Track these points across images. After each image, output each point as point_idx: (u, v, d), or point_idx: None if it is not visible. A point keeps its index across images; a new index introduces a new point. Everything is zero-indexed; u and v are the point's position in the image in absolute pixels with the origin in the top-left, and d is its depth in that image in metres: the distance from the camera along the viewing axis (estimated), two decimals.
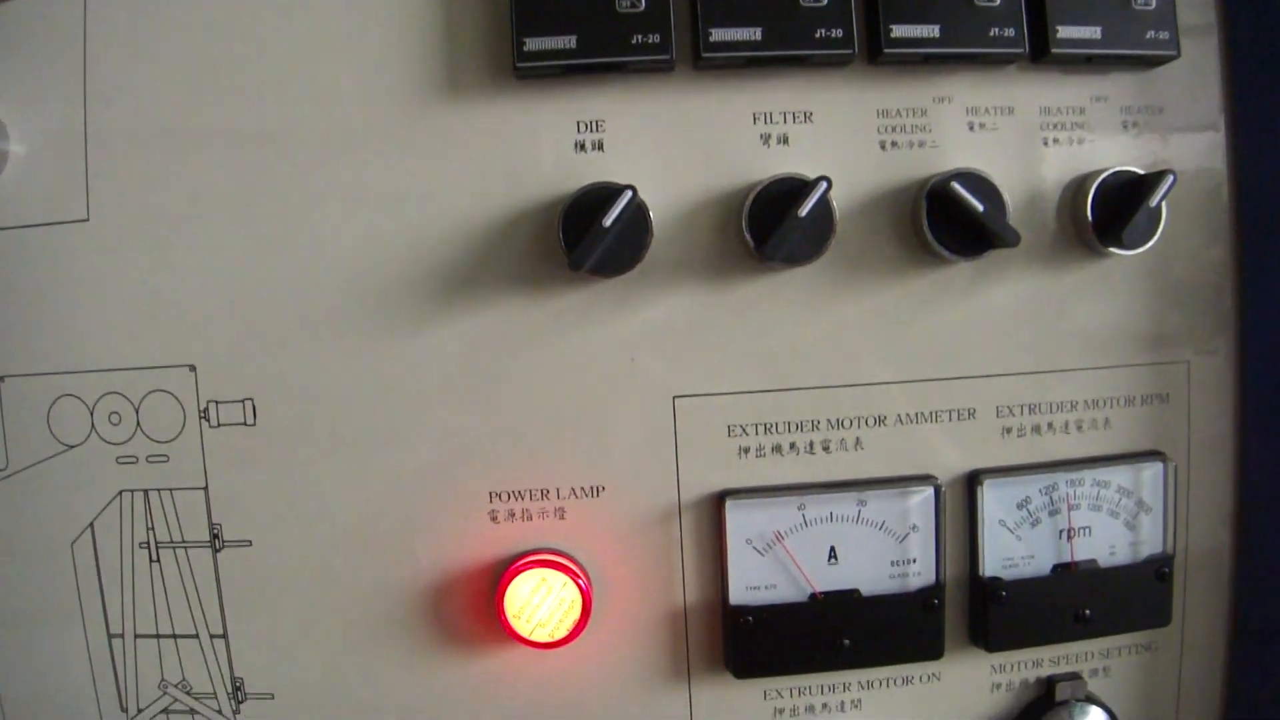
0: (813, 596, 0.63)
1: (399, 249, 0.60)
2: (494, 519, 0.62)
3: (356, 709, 0.64)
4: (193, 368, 0.60)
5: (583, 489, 0.62)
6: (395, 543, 0.62)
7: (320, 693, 0.64)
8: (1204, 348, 0.67)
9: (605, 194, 0.57)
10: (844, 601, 0.63)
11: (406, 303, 0.60)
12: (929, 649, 0.64)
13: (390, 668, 0.63)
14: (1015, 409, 0.65)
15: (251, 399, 0.61)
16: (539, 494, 0.62)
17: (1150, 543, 0.66)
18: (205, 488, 0.62)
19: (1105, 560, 0.66)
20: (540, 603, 0.61)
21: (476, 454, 0.62)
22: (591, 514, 0.63)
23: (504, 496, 0.62)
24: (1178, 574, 0.68)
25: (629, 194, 0.56)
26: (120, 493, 0.61)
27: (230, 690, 0.63)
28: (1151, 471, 0.66)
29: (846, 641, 0.63)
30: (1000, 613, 0.64)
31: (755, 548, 0.63)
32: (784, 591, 0.63)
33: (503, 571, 0.61)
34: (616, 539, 0.63)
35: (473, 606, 0.63)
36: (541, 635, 0.61)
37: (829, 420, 0.63)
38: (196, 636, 0.63)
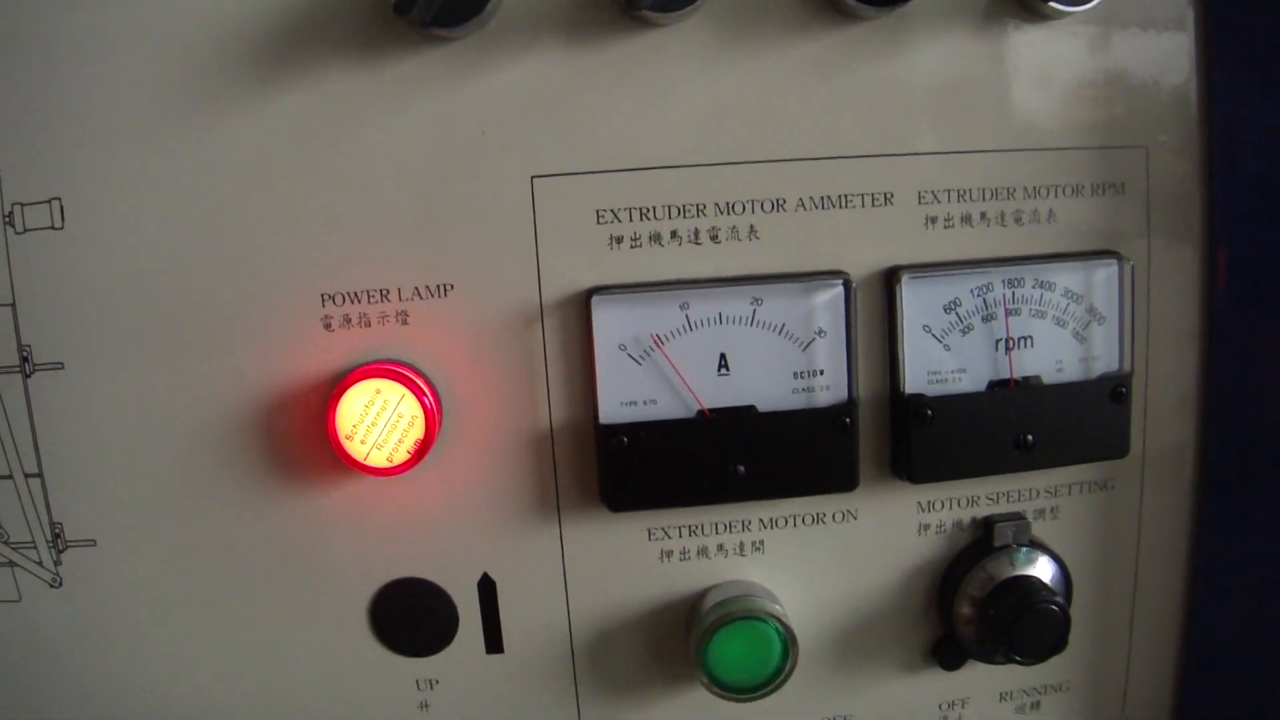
0: (700, 414, 0.54)
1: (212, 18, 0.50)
2: (327, 326, 0.53)
3: (186, 553, 0.55)
4: None
5: (427, 288, 0.53)
6: (219, 357, 0.53)
7: (145, 537, 0.55)
8: (1166, 131, 0.56)
9: None
10: (738, 420, 0.54)
11: (223, 75, 0.51)
12: (841, 478, 0.55)
13: (222, 505, 0.54)
14: (941, 194, 0.55)
15: (59, 198, 0.52)
16: (377, 295, 0.53)
17: (1105, 358, 0.57)
18: (13, 305, 0.52)
19: (1051, 377, 0.56)
20: (375, 420, 0.52)
21: (305, 250, 0.52)
22: (438, 317, 0.53)
23: (338, 299, 0.53)
24: (1137, 395, 0.58)
25: None
26: None
27: (50, 537, 0.54)
28: (1105, 273, 0.56)
29: (741, 468, 0.53)
30: (925, 436, 0.55)
31: (631, 355, 0.53)
32: (666, 408, 0.54)
33: (334, 386, 0.52)
34: (469, 347, 0.54)
35: (308, 430, 0.54)
36: (379, 459, 0.52)
37: (717, 205, 0.53)
38: (10, 477, 0.54)
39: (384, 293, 0.53)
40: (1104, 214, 0.56)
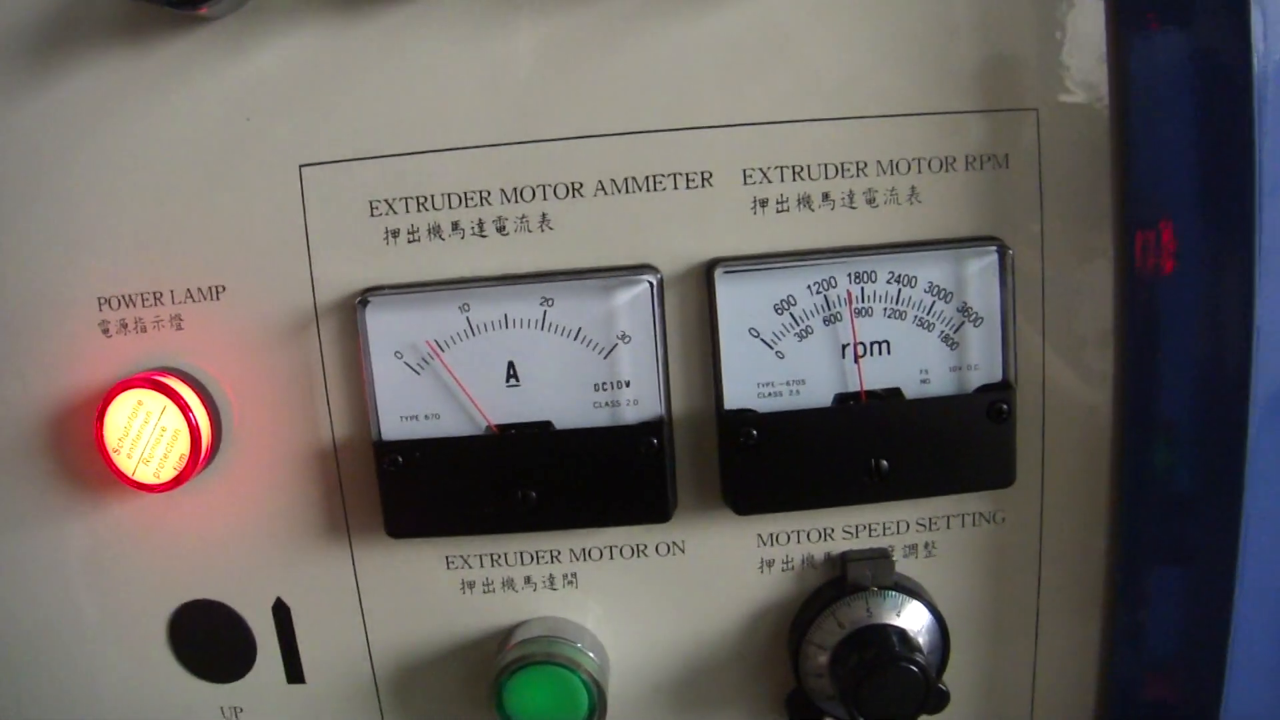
0: (488, 430, 0.47)
1: None
2: (105, 331, 0.50)
3: None
4: None
5: (200, 290, 0.49)
6: (2, 362, 0.50)
7: None
8: (1063, 88, 0.46)
9: None
10: (531, 438, 0.47)
11: None
12: (651, 507, 0.47)
13: (15, 516, 0.52)
14: (772, 173, 0.46)
15: None
16: (151, 298, 0.49)
17: (984, 368, 0.47)
18: None
19: (914, 390, 0.47)
20: (139, 433, 0.48)
21: (80, 250, 0.49)
22: (213, 322, 0.49)
23: (114, 303, 0.49)
24: (1032, 411, 0.48)
25: None
26: None
27: None
28: (981, 265, 0.46)
29: (532, 493, 0.47)
30: (747, 460, 0.46)
31: (408, 364, 0.47)
32: (451, 423, 0.48)
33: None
34: (245, 354, 0.49)
35: (90, 442, 0.50)
36: (146, 475, 0.48)
37: (504, 191, 0.47)
38: None
39: (157, 295, 0.49)
40: (982, 192, 0.46)
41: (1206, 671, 0.48)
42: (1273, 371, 0.46)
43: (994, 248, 0.46)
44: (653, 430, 0.46)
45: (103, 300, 0.49)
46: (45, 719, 0.55)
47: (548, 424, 0.47)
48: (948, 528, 0.49)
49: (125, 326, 0.50)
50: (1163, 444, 0.48)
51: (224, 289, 0.49)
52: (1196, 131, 0.45)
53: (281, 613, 0.52)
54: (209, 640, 0.53)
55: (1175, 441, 0.48)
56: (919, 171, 0.46)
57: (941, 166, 0.46)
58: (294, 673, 0.52)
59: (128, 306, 0.49)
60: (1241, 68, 0.43)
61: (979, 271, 0.46)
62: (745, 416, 0.46)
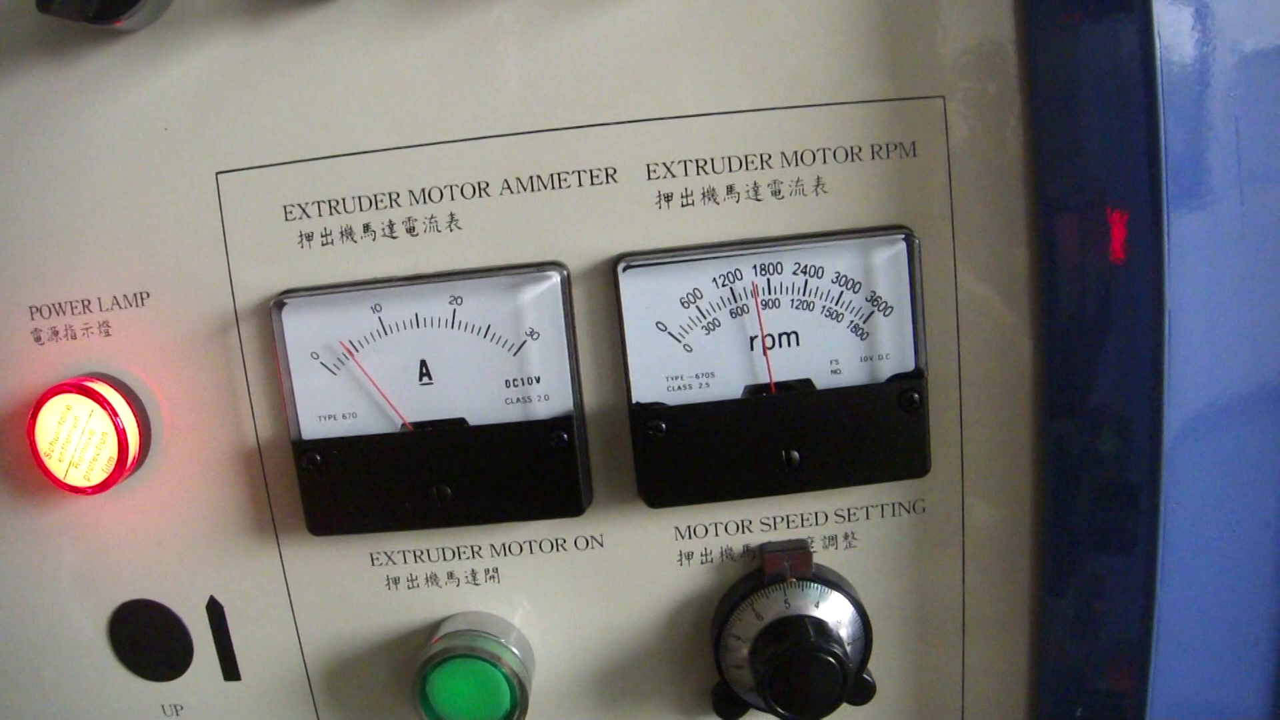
0: (404, 428, 0.48)
1: None
2: (37, 339, 0.51)
3: None
4: None
5: (125, 297, 0.50)
6: None
7: None
8: (970, 74, 0.46)
9: None
10: (444, 434, 0.48)
11: None
12: (563, 501, 0.48)
13: None
14: (676, 167, 0.46)
15: None
16: (79, 306, 0.50)
17: (895, 357, 0.47)
18: None
19: (824, 381, 0.47)
20: (69, 437, 0.49)
21: (11, 260, 0.50)
22: (139, 327, 0.50)
23: (45, 311, 0.51)
24: (944, 401, 0.48)
25: None
26: None
27: None
28: (888, 254, 0.46)
29: (448, 489, 0.47)
30: (658, 453, 0.47)
31: (324, 364, 0.48)
32: (368, 422, 0.48)
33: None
34: (171, 358, 0.50)
35: (23, 447, 0.52)
36: (77, 478, 0.50)
37: (412, 192, 0.47)
38: None
39: (85, 303, 0.50)
40: (889, 181, 0.46)
41: (1134, 658, 0.48)
42: (1187, 362, 0.45)
43: (902, 236, 0.46)
44: (563, 425, 0.47)
45: (34, 309, 0.51)
46: None
47: (461, 421, 0.48)
48: (867, 518, 0.49)
49: (56, 334, 0.51)
50: (1090, 433, 0.48)
51: (148, 295, 0.50)
52: (1105, 120, 0.45)
53: (215, 611, 0.52)
54: (148, 639, 0.54)
55: (1101, 430, 0.48)
56: (824, 162, 0.46)
57: (847, 156, 0.46)
58: (230, 670, 0.53)
59: (58, 314, 0.51)
60: (1145, 57, 0.43)
61: (888, 260, 0.46)
62: (654, 410, 0.47)
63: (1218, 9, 0.43)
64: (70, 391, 0.49)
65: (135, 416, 0.50)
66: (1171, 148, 0.43)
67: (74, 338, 0.51)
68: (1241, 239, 0.45)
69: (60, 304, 0.50)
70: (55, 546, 0.53)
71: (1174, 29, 0.43)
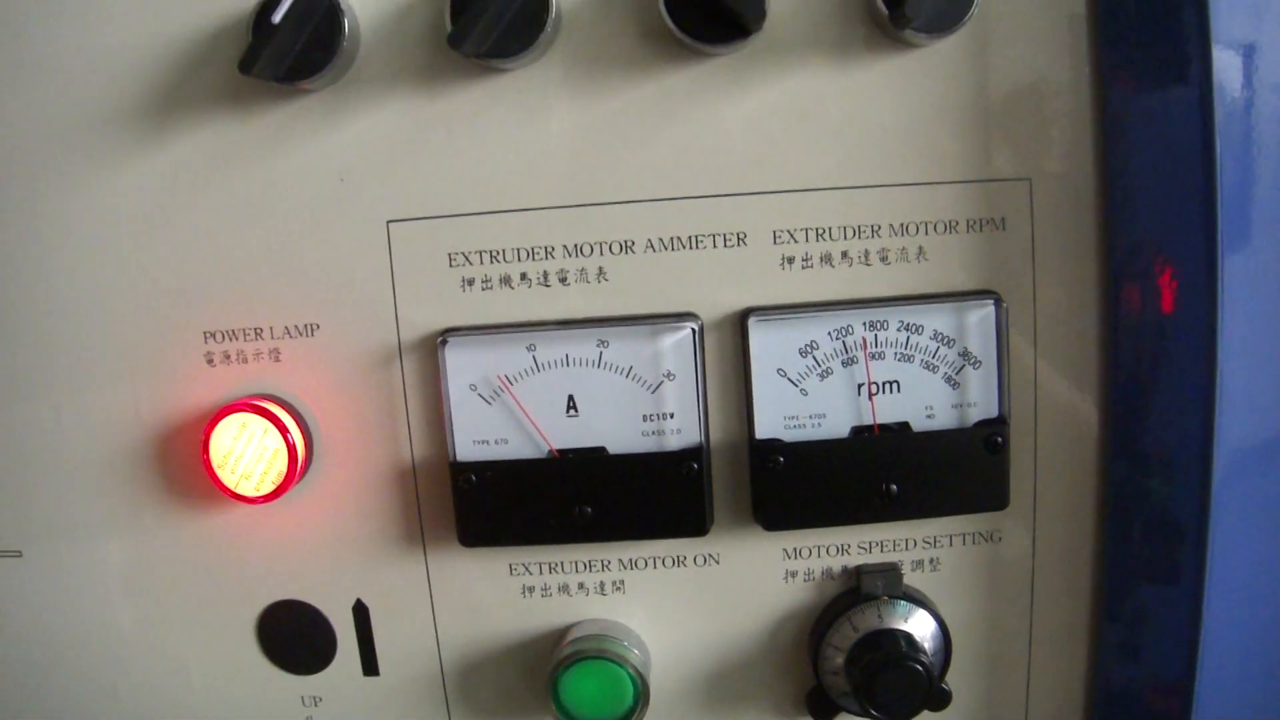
0: (550, 454, 0.54)
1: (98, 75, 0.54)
2: (210, 362, 0.57)
3: (85, 569, 0.59)
4: None
5: (296, 328, 0.56)
6: (117, 389, 0.57)
7: (64, 550, 0.59)
8: (1053, 161, 0.53)
9: None
10: (587, 461, 0.54)
11: (101, 134, 0.55)
12: (690, 522, 0.54)
13: (129, 523, 0.59)
14: (798, 234, 0.53)
15: None
16: (252, 334, 0.56)
17: (982, 404, 0.54)
18: None
19: (920, 424, 0.54)
20: (243, 451, 0.55)
21: (189, 291, 0.56)
22: (307, 355, 0.56)
23: (218, 337, 0.56)
24: (1022, 444, 0.55)
25: None
26: None
27: None
28: (979, 315, 0.53)
29: (588, 509, 0.54)
30: (774, 483, 0.53)
31: (481, 395, 0.54)
32: (518, 448, 0.54)
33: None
34: (336, 384, 0.56)
35: (194, 459, 0.57)
36: (248, 488, 0.55)
37: (565, 247, 0.54)
38: None
39: (258, 331, 0.56)
40: (982, 251, 0.53)
41: (1179, 683, 0.55)
42: (1236, 411, 0.52)
43: (991, 300, 0.53)
44: (693, 456, 0.53)
45: (208, 334, 0.56)
46: (140, 708, 0.61)
47: (602, 449, 0.54)
48: (950, 545, 0.56)
49: (228, 357, 0.56)
50: (1143, 473, 0.55)
51: (318, 327, 0.56)
52: (1167, 189, 0.52)
53: (360, 612, 0.58)
54: (294, 637, 0.59)
55: (1153, 471, 0.55)
56: (926, 233, 0.53)
57: (946, 229, 0.53)
58: (370, 666, 0.59)
59: (231, 340, 0.56)
60: (1204, 128, 0.49)
61: (978, 321, 0.53)
62: (773, 445, 0.53)
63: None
64: (247, 411, 0.55)
65: (302, 434, 0.56)
66: (1226, 205, 0.49)
67: (245, 361, 0.56)
68: None
69: (233, 330, 0.56)
70: (214, 549, 0.58)
71: (1230, 92, 0.49)
